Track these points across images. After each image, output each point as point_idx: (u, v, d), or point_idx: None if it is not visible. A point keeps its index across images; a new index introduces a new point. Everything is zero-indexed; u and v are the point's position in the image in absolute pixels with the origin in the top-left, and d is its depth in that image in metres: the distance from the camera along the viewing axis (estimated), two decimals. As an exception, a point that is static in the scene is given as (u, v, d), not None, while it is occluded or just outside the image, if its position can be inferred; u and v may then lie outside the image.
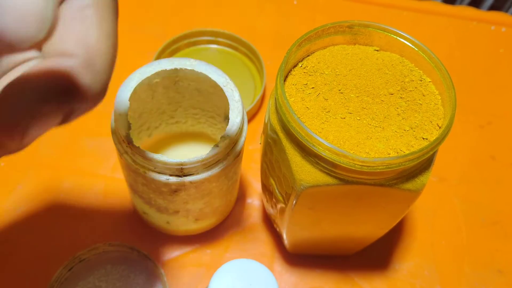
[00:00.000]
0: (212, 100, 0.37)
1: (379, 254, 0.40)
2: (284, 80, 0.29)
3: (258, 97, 0.46)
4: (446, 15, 0.58)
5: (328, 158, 0.25)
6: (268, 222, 0.41)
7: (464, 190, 0.45)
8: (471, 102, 0.51)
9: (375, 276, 0.39)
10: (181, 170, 0.29)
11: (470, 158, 0.47)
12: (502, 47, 0.56)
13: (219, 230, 0.41)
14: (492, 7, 0.70)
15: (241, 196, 0.43)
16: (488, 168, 0.46)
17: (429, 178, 0.28)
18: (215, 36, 0.51)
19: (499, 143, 0.48)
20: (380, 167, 0.25)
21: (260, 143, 0.34)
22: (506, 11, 0.67)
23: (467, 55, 0.55)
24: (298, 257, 0.40)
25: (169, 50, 0.50)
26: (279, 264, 0.39)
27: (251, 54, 0.50)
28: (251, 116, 0.47)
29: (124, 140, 0.29)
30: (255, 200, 0.43)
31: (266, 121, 0.31)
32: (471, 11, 0.58)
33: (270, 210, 0.36)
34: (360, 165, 0.25)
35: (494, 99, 0.52)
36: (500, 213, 0.44)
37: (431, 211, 0.43)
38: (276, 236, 0.41)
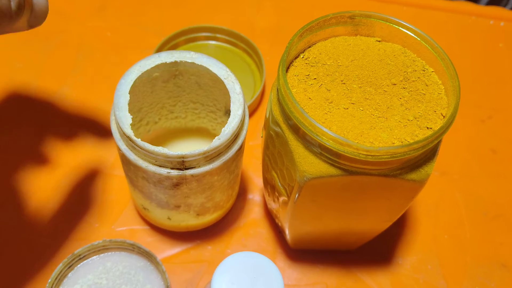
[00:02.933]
0: (212, 94, 0.36)
1: (382, 249, 0.40)
2: (286, 72, 0.29)
3: (258, 92, 0.46)
4: (445, 10, 0.58)
5: (332, 148, 0.25)
6: (270, 217, 0.41)
7: (465, 184, 0.44)
8: (471, 96, 0.50)
9: (378, 271, 0.39)
10: (182, 163, 0.29)
11: (471, 152, 0.47)
12: (501, 41, 0.56)
13: (220, 226, 0.40)
14: (491, 2, 0.70)
15: (242, 192, 0.42)
16: (489, 161, 0.46)
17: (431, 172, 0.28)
18: (214, 32, 0.51)
19: (499, 137, 0.48)
20: (385, 157, 0.25)
21: (262, 137, 0.33)
22: (504, 5, 0.67)
23: (466, 49, 0.55)
24: (300, 253, 0.39)
25: (168, 46, 0.49)
26: (281, 260, 0.39)
27: (251, 50, 0.50)
28: (251, 111, 0.47)
29: (124, 133, 0.29)
30: (256, 196, 0.42)
31: (268, 115, 0.31)
32: (470, 6, 0.58)
33: (272, 205, 0.36)
34: (365, 154, 0.24)
35: (494, 93, 0.52)
36: (502, 207, 0.43)
37: (433, 206, 0.43)
38: (278, 232, 0.40)
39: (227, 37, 0.51)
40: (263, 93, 0.48)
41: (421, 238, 0.41)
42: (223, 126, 0.30)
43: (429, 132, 0.26)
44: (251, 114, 0.47)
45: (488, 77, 0.53)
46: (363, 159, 0.25)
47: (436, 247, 0.41)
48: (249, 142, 0.45)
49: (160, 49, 0.48)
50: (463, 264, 0.40)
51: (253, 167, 0.44)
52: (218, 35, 0.51)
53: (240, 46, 0.51)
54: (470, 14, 0.58)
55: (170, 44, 0.49)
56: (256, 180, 0.43)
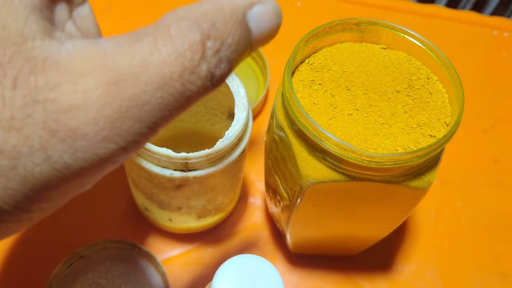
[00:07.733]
0: (216, 97, 0.37)
1: (382, 255, 0.40)
2: (291, 76, 0.29)
3: (261, 96, 0.46)
4: (449, 19, 0.58)
5: (335, 154, 0.25)
6: (271, 221, 0.41)
7: (467, 193, 0.45)
8: (473, 106, 0.50)
9: (378, 277, 0.39)
10: (185, 165, 0.29)
11: (473, 161, 0.47)
12: (504, 51, 0.56)
13: (220, 229, 0.40)
14: (495, 12, 0.70)
15: (244, 195, 0.42)
16: (490, 171, 0.46)
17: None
18: (219, 36, 0.51)
19: (501, 146, 0.48)
20: (388, 163, 0.25)
21: (265, 140, 0.33)
22: (508, 16, 0.67)
23: (469, 59, 0.55)
24: (300, 257, 0.39)
25: (173, 48, 0.49)
26: (281, 264, 0.39)
27: (255, 54, 0.50)
28: (254, 115, 0.47)
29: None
30: (257, 200, 0.42)
31: (272, 119, 0.31)
32: (474, 16, 0.59)
33: (273, 209, 0.36)
34: (368, 160, 0.25)
35: (496, 103, 0.52)
36: (503, 216, 0.43)
37: (434, 214, 0.43)
38: (278, 236, 0.40)
39: (231, 41, 0.51)
40: (267, 97, 0.48)
41: (421, 246, 0.41)
42: (227, 129, 0.30)
43: (432, 140, 0.26)
44: (253, 118, 0.47)
45: (490, 87, 0.53)
46: (367, 165, 0.25)
47: (436, 255, 0.41)
48: (251, 146, 0.45)
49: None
50: (462, 273, 0.40)
51: (254, 171, 0.44)
52: (223, 39, 0.51)
53: (245, 50, 0.51)
54: (474, 24, 0.58)
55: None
56: (257, 184, 0.43)
